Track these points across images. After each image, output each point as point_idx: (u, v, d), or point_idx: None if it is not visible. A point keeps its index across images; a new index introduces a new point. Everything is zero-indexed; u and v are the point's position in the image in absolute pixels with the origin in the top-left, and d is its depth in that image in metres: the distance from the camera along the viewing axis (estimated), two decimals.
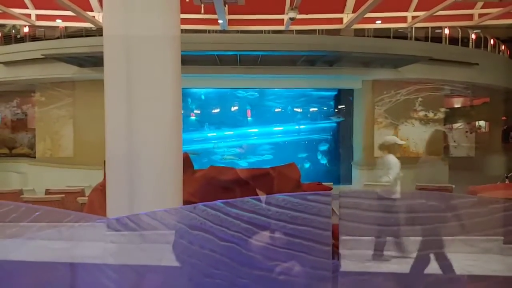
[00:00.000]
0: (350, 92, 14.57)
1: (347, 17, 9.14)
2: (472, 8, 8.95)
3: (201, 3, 6.79)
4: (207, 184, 4.06)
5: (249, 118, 15.47)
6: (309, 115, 15.83)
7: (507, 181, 9.18)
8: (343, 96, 15.20)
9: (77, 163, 13.30)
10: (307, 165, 14.96)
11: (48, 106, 14.16)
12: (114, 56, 3.40)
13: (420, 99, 14.23)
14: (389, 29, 12.52)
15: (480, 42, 15.53)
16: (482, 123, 20.34)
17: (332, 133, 15.80)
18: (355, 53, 12.25)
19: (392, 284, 1.95)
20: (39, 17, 9.57)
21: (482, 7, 8.82)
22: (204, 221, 1.52)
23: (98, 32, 12.25)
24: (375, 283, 1.82)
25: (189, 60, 11.00)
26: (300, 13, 8.31)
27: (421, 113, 14.37)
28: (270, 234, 1.52)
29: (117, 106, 3.29)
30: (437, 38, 14.38)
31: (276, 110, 15.55)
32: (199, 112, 15.39)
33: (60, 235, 1.71)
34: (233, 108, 15.40)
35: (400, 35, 13.64)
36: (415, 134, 14.11)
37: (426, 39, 14.34)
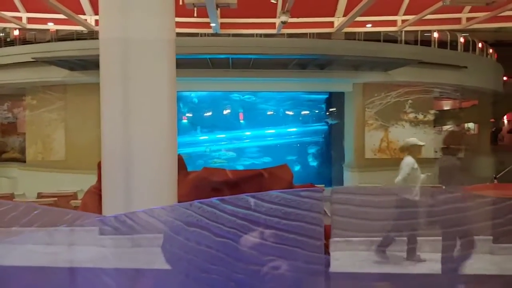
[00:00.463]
0: (341, 95, 14.69)
1: (338, 20, 9.23)
2: (460, 11, 9.08)
3: (194, 6, 6.83)
4: (197, 186, 4.08)
5: (241, 121, 15.52)
6: (300, 118, 15.93)
7: (495, 182, 9.32)
8: (334, 99, 15.33)
9: (69, 166, 13.22)
10: (297, 168, 15.03)
11: (39, 109, 14.09)
12: (111, 59, 3.43)
13: (410, 101, 14.40)
14: (379, 32, 12.65)
15: (469, 46, 15.73)
16: (471, 125, 20.58)
17: (324, 135, 15.91)
18: (346, 57, 12.36)
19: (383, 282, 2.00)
20: (30, 20, 9.53)
21: (470, 11, 8.96)
22: (200, 218, 1.55)
23: (89, 35, 12.22)
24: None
25: (181, 64, 10.97)
26: (291, 17, 8.38)
27: (411, 115, 14.53)
28: (264, 230, 1.57)
29: (113, 108, 3.31)
30: (426, 42, 14.55)
31: (268, 113, 15.62)
32: (191, 115, 15.40)
33: (53, 239, 1.73)
34: (225, 111, 15.44)
35: (390, 39, 13.78)
36: (406, 136, 14.24)
37: (415, 42, 14.50)
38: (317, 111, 16.04)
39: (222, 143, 15.43)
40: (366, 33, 12.51)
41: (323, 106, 16.03)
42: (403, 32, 12.78)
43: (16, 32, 14.10)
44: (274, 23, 9.45)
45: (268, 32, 10.58)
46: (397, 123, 14.40)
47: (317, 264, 1.59)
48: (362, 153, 14.16)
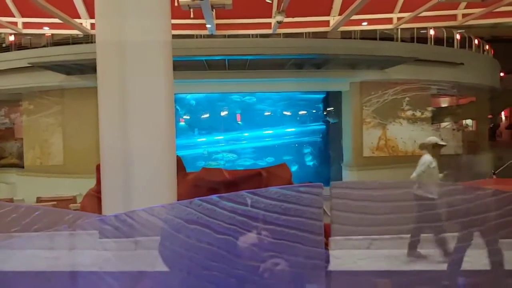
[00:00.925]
0: (339, 94, 14.71)
1: (333, 19, 9.23)
2: (455, 8, 9.09)
3: (189, 8, 6.83)
4: (195, 186, 4.09)
5: (239, 123, 15.52)
6: (298, 118, 15.94)
7: (494, 177, 9.33)
8: (332, 98, 15.35)
9: (67, 171, 13.20)
10: (296, 167, 15.05)
11: (36, 114, 14.07)
12: (107, 61, 3.43)
13: (407, 98, 14.43)
14: (375, 31, 12.67)
15: (465, 42, 15.78)
16: (469, 121, 20.63)
17: (322, 135, 15.93)
18: (342, 55, 12.38)
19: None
20: (26, 25, 9.51)
21: (466, 7, 8.97)
22: (200, 215, 1.56)
23: (85, 39, 12.21)
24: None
25: (177, 66, 10.98)
26: (287, 17, 8.38)
27: (409, 113, 14.56)
28: (264, 226, 1.57)
29: (111, 110, 3.32)
30: (422, 39, 14.59)
31: (266, 113, 15.63)
32: (188, 117, 15.39)
33: (53, 243, 1.73)
34: (222, 113, 15.43)
35: (386, 37, 13.81)
36: (403, 133, 14.29)
37: (411, 40, 14.54)
38: (314, 111, 16.07)
39: (220, 144, 15.42)
40: (362, 31, 12.52)
41: (321, 105, 16.05)
42: (399, 29, 12.81)
43: (12, 38, 14.08)
44: (270, 23, 9.45)
45: (264, 32, 10.59)
46: (394, 121, 14.43)
47: (317, 259, 1.59)
48: (360, 152, 14.19)
